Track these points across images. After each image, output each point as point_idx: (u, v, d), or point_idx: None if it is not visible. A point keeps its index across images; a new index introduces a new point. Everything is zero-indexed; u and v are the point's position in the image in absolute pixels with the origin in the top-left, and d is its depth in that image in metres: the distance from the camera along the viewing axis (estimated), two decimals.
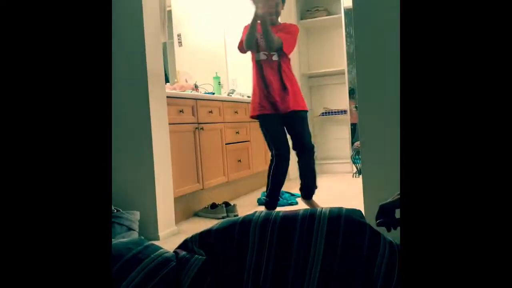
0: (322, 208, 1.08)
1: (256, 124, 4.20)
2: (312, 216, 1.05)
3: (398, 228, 1.06)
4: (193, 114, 3.21)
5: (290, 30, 2.93)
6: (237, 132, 3.88)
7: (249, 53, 2.95)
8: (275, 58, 2.85)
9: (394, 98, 1.93)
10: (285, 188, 3.97)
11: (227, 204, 3.24)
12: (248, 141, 4.06)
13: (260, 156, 4.26)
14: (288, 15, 4.99)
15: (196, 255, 1.08)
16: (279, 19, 3.01)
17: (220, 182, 3.54)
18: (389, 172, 1.96)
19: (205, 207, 3.26)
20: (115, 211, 2.44)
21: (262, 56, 2.86)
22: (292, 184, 4.46)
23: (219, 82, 4.20)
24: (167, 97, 2.82)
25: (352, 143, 5.07)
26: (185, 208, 3.18)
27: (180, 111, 3.04)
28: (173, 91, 3.23)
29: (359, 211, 1.08)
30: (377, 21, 2.04)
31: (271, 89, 2.83)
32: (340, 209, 1.07)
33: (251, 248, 1.05)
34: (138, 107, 2.64)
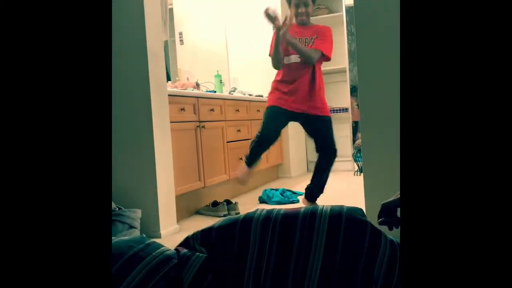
0: (323, 206, 1.08)
1: (257, 122, 4.20)
2: (313, 214, 1.05)
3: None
4: (194, 112, 3.21)
5: (325, 35, 2.90)
6: (239, 130, 3.88)
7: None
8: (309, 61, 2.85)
9: (395, 96, 1.93)
10: (286, 186, 3.98)
11: (228, 202, 3.24)
12: (250, 139, 4.06)
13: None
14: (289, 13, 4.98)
15: (197, 253, 1.08)
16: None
17: (222, 180, 3.55)
18: (390, 170, 1.96)
19: (207, 205, 3.27)
20: (117, 209, 2.45)
21: (296, 59, 2.86)
22: (293, 182, 4.47)
23: (221, 80, 4.20)
24: (168, 95, 2.82)
25: (354, 141, 5.07)
26: (187, 206, 3.19)
27: (182, 109, 3.04)
28: (175, 89, 3.23)
29: (360, 210, 1.08)
30: (379, 19, 2.04)
31: (299, 92, 2.85)
32: (341, 207, 1.07)
33: (252, 246, 1.05)
34: (140, 105, 2.64)
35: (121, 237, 2.26)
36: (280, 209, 1.10)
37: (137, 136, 2.66)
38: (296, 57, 2.85)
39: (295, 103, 2.87)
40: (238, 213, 3.16)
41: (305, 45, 2.86)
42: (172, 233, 2.72)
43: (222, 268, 1.05)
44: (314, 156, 5.35)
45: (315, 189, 3.00)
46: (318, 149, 2.97)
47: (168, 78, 3.66)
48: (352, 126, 5.21)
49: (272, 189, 3.66)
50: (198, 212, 3.28)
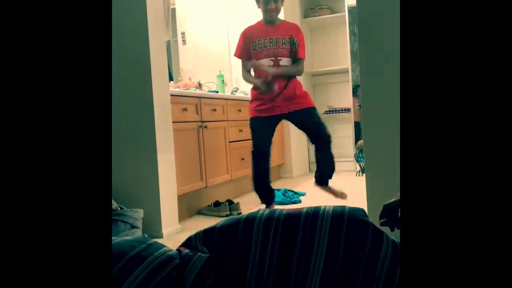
0: (326, 207, 1.08)
1: None
2: (315, 215, 1.05)
3: None
4: (196, 112, 3.21)
5: (300, 37, 2.85)
6: (241, 130, 3.88)
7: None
8: (283, 63, 2.80)
9: (398, 96, 1.92)
10: (288, 186, 3.98)
11: (230, 202, 3.24)
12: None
13: None
14: (291, 13, 4.98)
15: (199, 253, 1.08)
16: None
17: (224, 180, 3.55)
18: (393, 170, 1.96)
19: (209, 205, 3.27)
20: (119, 208, 2.45)
21: (269, 62, 2.79)
22: (295, 182, 4.47)
23: (223, 80, 4.20)
24: (170, 95, 2.83)
25: (356, 142, 5.07)
26: (189, 206, 3.19)
27: (184, 109, 3.05)
28: (177, 89, 3.23)
29: (362, 210, 1.08)
30: (381, 19, 2.04)
31: (277, 95, 2.78)
32: (343, 207, 1.07)
33: (255, 246, 1.05)
34: (142, 105, 2.64)
35: (123, 237, 2.26)
36: (282, 209, 1.10)
37: (139, 136, 2.67)
38: (268, 60, 2.78)
39: (275, 108, 2.80)
40: (240, 213, 3.16)
41: (276, 45, 2.78)
42: (174, 233, 2.72)
43: (224, 268, 1.05)
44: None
45: (322, 173, 2.95)
46: (311, 140, 2.94)
47: (171, 78, 3.66)
48: (354, 127, 5.21)
49: (274, 189, 3.65)
50: (200, 212, 3.29)
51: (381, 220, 1.10)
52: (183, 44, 4.79)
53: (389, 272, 0.98)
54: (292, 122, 2.96)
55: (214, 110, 3.45)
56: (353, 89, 5.14)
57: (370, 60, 2.07)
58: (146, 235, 2.39)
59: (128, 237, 1.15)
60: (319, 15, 5.26)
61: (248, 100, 4.02)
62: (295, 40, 2.81)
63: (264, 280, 1.02)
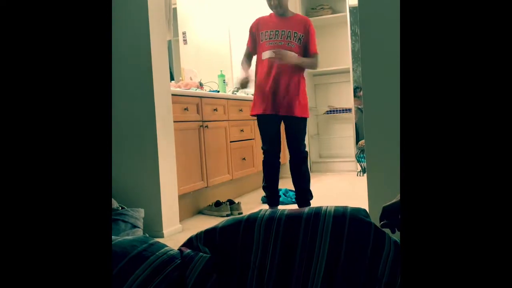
0: (327, 207, 1.08)
1: None
2: (317, 215, 1.05)
3: None
4: (197, 112, 3.21)
5: (311, 32, 2.77)
6: (242, 130, 3.88)
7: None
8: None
9: (399, 97, 1.92)
10: (289, 186, 3.97)
11: (231, 202, 3.24)
12: (253, 139, 4.07)
13: None
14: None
15: (201, 253, 1.08)
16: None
17: (225, 180, 3.55)
18: (394, 170, 1.95)
19: (210, 205, 3.27)
20: (120, 208, 2.45)
21: (271, 54, 2.70)
22: None
23: (224, 80, 4.20)
24: (172, 95, 2.83)
25: (357, 142, 5.06)
26: (190, 206, 3.19)
27: (185, 109, 3.05)
28: (178, 89, 3.23)
29: (364, 210, 1.08)
30: (383, 19, 2.03)
31: (279, 91, 2.71)
32: (345, 208, 1.07)
33: (256, 246, 1.05)
34: (143, 105, 2.64)
35: (124, 236, 2.26)
36: (284, 210, 1.10)
37: (140, 136, 2.67)
38: (271, 52, 2.70)
39: (277, 107, 2.74)
40: (241, 213, 3.16)
41: (282, 38, 2.71)
42: (175, 232, 2.72)
43: (225, 268, 1.05)
44: (316, 157, 5.36)
45: (300, 191, 2.90)
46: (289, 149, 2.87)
47: (172, 78, 3.66)
48: (355, 127, 5.21)
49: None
50: (201, 212, 3.29)
51: (382, 222, 1.10)
52: (184, 43, 4.79)
53: (391, 273, 0.98)
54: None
55: (215, 109, 3.45)
56: (354, 89, 5.13)
57: (372, 60, 2.07)
58: (147, 235, 2.40)
59: (130, 237, 1.15)
60: (320, 15, 5.25)
61: (249, 100, 4.03)
62: (301, 35, 2.74)
63: (266, 281, 1.01)
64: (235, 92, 4.19)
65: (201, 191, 3.29)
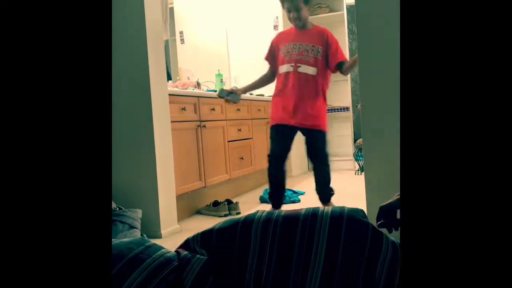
0: (324, 208, 1.08)
1: (258, 122, 4.20)
2: (314, 216, 1.04)
3: None
4: (195, 112, 3.20)
5: (333, 42, 2.76)
6: (239, 130, 3.87)
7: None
8: (302, 70, 2.71)
9: (397, 95, 1.92)
10: (287, 185, 3.96)
11: (229, 201, 3.24)
12: (251, 138, 4.06)
13: (263, 153, 4.25)
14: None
15: (198, 255, 1.08)
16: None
17: (223, 179, 3.54)
18: (392, 169, 1.95)
19: (208, 205, 3.26)
20: (117, 209, 2.45)
21: (289, 68, 2.73)
22: (294, 181, 4.46)
23: (221, 80, 4.19)
24: (169, 94, 2.82)
25: (355, 140, 5.06)
26: (187, 206, 3.18)
27: (182, 109, 3.04)
28: (175, 88, 3.22)
29: (362, 211, 1.07)
30: (380, 18, 2.03)
31: (292, 99, 2.73)
32: (342, 208, 1.06)
33: (253, 248, 1.05)
34: (140, 105, 2.63)
35: (121, 237, 2.26)
36: (281, 211, 1.10)
37: (137, 136, 2.66)
38: (288, 66, 2.73)
39: (294, 118, 2.76)
40: (239, 212, 3.16)
41: (299, 52, 2.73)
42: (173, 233, 2.71)
43: (223, 270, 1.05)
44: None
45: (319, 192, 2.93)
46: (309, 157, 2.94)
47: (169, 78, 3.65)
48: (353, 125, 5.20)
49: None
50: (199, 212, 3.28)
51: (379, 222, 1.09)
52: (182, 43, 4.78)
53: (389, 273, 0.98)
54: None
55: (213, 109, 3.44)
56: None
57: (369, 59, 2.07)
58: (145, 236, 2.39)
59: (126, 239, 1.14)
60: (317, 14, 5.25)
61: (247, 99, 4.03)
62: (319, 48, 2.72)
63: (263, 283, 1.01)
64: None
65: (199, 191, 3.28)
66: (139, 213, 2.50)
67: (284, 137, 2.84)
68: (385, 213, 1.08)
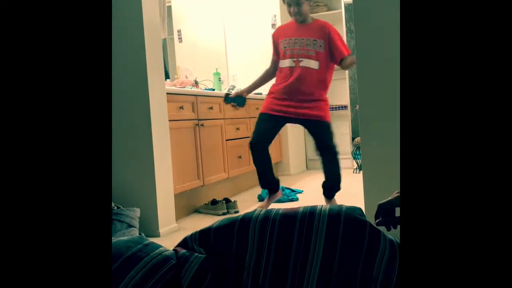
0: (322, 206, 1.08)
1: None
2: (312, 214, 1.04)
3: (398, 226, 1.06)
4: (193, 111, 3.20)
5: (332, 34, 2.75)
6: (238, 128, 3.87)
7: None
8: (303, 64, 2.72)
9: (395, 94, 1.92)
10: (286, 184, 3.97)
11: (227, 200, 3.24)
12: (249, 137, 4.05)
13: None
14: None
15: (196, 254, 1.08)
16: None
17: (221, 178, 3.54)
18: (390, 168, 1.96)
19: (206, 204, 3.26)
20: (115, 208, 2.44)
21: (291, 63, 2.75)
22: (293, 180, 4.46)
23: (219, 78, 4.19)
24: (167, 93, 2.81)
25: (353, 139, 5.06)
26: (186, 205, 3.18)
27: (180, 108, 3.03)
28: (173, 87, 3.22)
29: (359, 209, 1.07)
30: (378, 16, 2.03)
31: (292, 92, 2.74)
32: (340, 206, 1.06)
33: (251, 246, 1.04)
34: (138, 104, 2.63)
35: (119, 236, 2.26)
36: (278, 209, 1.10)
37: (135, 135, 2.65)
38: (290, 61, 2.74)
39: (289, 107, 2.77)
40: (237, 211, 3.16)
41: (300, 46, 2.73)
42: (171, 231, 2.71)
43: (220, 268, 1.05)
44: (312, 154, 5.35)
45: (326, 187, 2.94)
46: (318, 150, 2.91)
47: (167, 76, 3.65)
48: (351, 124, 5.21)
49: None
50: (197, 211, 3.28)
51: (377, 220, 1.09)
52: (179, 42, 4.77)
53: (386, 271, 0.98)
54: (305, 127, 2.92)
55: (211, 108, 3.44)
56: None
57: (367, 57, 2.07)
58: (143, 234, 2.39)
59: (124, 237, 1.14)
60: (315, 12, 5.24)
61: (248, 98, 4.02)
62: (321, 42, 2.72)
63: (261, 281, 1.01)
64: (230, 90, 4.17)
65: (197, 190, 3.28)
66: (137, 212, 2.50)
67: (273, 127, 2.86)
68: (384, 211, 1.08)
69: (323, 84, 2.80)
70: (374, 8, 2.04)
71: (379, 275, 0.97)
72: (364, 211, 1.08)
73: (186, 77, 3.96)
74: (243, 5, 4.94)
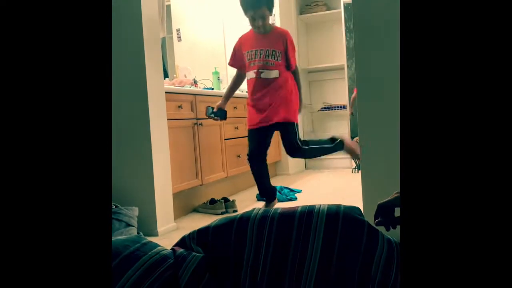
0: (320, 205, 1.08)
1: None
2: (310, 213, 1.04)
3: (397, 226, 1.06)
4: (192, 110, 3.20)
5: (290, 47, 2.85)
6: (236, 128, 3.87)
7: None
8: (264, 75, 2.82)
9: (393, 93, 1.92)
10: (284, 183, 3.97)
11: (226, 199, 3.24)
12: (247, 136, 4.05)
13: None
14: (287, 10, 4.97)
15: (194, 253, 1.08)
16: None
17: (219, 177, 3.54)
18: (389, 167, 1.96)
19: (204, 203, 3.26)
20: (114, 207, 2.44)
21: (252, 75, 2.87)
22: (291, 179, 4.47)
23: (218, 78, 4.18)
24: (165, 92, 2.81)
25: (352, 139, 5.06)
26: (184, 204, 3.18)
27: (179, 107, 3.03)
28: (172, 86, 3.22)
29: (358, 208, 1.07)
30: (377, 16, 2.03)
31: (260, 103, 2.86)
32: (338, 206, 1.06)
33: (249, 245, 1.04)
34: (137, 103, 2.63)
35: (118, 235, 2.25)
36: (277, 208, 1.10)
37: (134, 134, 2.65)
38: (252, 73, 2.85)
39: (266, 118, 2.86)
40: (236, 210, 3.15)
41: (260, 57, 2.82)
42: (169, 231, 2.71)
43: (218, 267, 1.05)
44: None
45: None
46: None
47: (166, 75, 3.65)
48: (350, 123, 5.21)
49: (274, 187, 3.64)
50: (195, 210, 3.28)
51: (376, 220, 1.09)
52: (178, 41, 4.77)
53: (384, 270, 0.98)
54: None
55: None
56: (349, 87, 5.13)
57: (366, 57, 2.07)
58: (141, 234, 2.39)
59: (122, 236, 1.14)
60: (314, 12, 5.24)
61: (243, 98, 4.02)
62: (279, 52, 2.82)
63: (259, 280, 1.01)
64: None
65: (195, 189, 3.28)
66: (135, 211, 2.49)
67: (260, 139, 2.94)
68: (383, 210, 1.08)
69: (285, 89, 2.87)
70: (373, 8, 2.03)
71: (377, 274, 0.97)
72: (362, 210, 1.08)
73: (185, 76, 3.96)
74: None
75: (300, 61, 5.21)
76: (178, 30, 4.77)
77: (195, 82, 3.76)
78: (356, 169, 4.74)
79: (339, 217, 1.02)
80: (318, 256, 0.99)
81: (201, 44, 4.73)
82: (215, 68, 4.23)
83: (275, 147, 4.61)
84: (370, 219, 1.08)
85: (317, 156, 3.11)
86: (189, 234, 1.13)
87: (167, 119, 2.80)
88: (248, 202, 3.48)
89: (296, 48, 3.06)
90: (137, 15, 2.61)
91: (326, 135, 5.50)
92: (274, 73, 2.83)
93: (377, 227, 1.04)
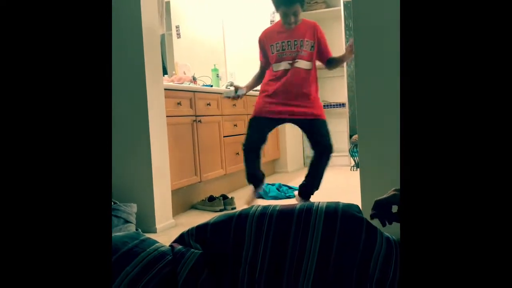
0: (319, 203, 1.08)
1: None
2: (308, 211, 1.04)
3: (395, 223, 1.06)
4: (191, 107, 3.20)
5: (322, 38, 2.84)
6: (235, 125, 3.87)
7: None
8: (299, 65, 2.75)
9: (393, 91, 1.92)
10: (283, 181, 3.97)
11: (224, 196, 3.24)
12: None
13: None
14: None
15: (192, 249, 1.08)
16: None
17: (218, 175, 3.54)
18: (387, 165, 1.96)
19: (203, 200, 3.26)
20: (112, 203, 2.44)
21: (286, 65, 2.76)
22: (290, 177, 4.47)
23: (218, 75, 4.18)
24: (165, 89, 2.81)
25: (350, 136, 5.07)
26: (183, 201, 3.18)
27: (178, 104, 3.03)
28: (171, 83, 3.21)
29: (356, 206, 1.07)
30: (377, 14, 2.03)
31: (290, 95, 2.77)
32: (337, 203, 1.06)
33: (248, 242, 1.04)
34: (136, 100, 2.62)
35: (116, 232, 2.25)
36: (276, 205, 1.10)
37: (133, 131, 2.65)
38: (286, 64, 2.76)
39: (281, 106, 2.79)
40: (235, 208, 3.16)
41: (295, 48, 2.75)
42: (167, 227, 2.71)
43: (217, 264, 1.05)
44: (310, 151, 5.36)
45: (306, 185, 2.92)
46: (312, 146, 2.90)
47: (165, 72, 3.64)
48: (349, 121, 5.21)
49: (268, 184, 3.65)
50: (194, 207, 3.28)
51: (372, 212, 1.09)
52: (178, 37, 4.76)
53: (383, 268, 0.98)
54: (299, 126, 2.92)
55: (209, 104, 3.43)
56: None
57: (365, 55, 2.07)
58: (140, 230, 2.38)
59: (121, 233, 1.14)
60: (314, 9, 5.23)
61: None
62: (312, 42, 2.78)
63: (257, 277, 1.01)
64: (228, 87, 4.17)
65: (194, 186, 3.28)
66: (134, 207, 2.50)
67: (265, 131, 2.88)
68: (380, 206, 1.09)
69: (315, 84, 2.87)
70: (373, 6, 2.03)
71: (375, 271, 0.98)
72: (361, 208, 1.08)
73: (184, 73, 3.95)
74: (242, 1, 4.93)
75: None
76: (177, 27, 4.76)
77: (194, 79, 3.76)
78: (355, 167, 4.74)
79: (337, 215, 1.02)
80: (316, 253, 0.99)
81: (201, 41, 4.72)
82: (214, 65, 4.23)
83: (274, 145, 4.61)
84: (368, 217, 1.08)
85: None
86: (188, 230, 1.13)
87: (166, 116, 2.79)
88: (246, 199, 3.48)
89: None
90: (136, 11, 2.61)
91: None
92: (307, 64, 2.77)
93: (375, 223, 1.04)
